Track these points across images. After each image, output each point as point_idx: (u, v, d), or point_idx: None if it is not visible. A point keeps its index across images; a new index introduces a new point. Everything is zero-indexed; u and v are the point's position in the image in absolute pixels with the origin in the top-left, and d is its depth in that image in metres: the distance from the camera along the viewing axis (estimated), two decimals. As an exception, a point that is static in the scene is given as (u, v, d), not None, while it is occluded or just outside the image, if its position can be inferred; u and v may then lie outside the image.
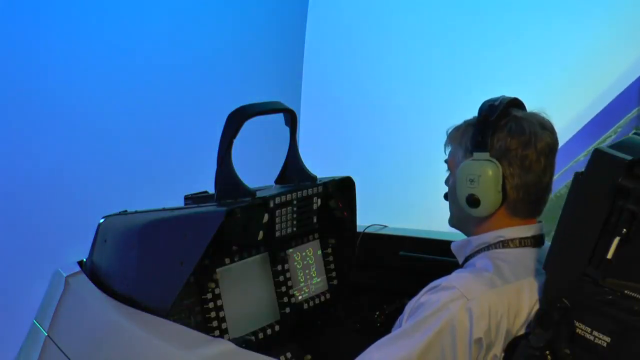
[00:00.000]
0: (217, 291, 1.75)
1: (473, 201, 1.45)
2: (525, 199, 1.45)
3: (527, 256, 1.45)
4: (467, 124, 1.52)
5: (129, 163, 3.30)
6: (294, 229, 1.93)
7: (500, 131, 1.44)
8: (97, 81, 3.16)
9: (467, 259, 1.52)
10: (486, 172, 1.43)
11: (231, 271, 1.81)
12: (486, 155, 1.44)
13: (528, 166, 1.43)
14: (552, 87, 3.97)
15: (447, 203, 1.59)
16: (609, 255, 1.16)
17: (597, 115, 3.97)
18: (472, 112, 1.53)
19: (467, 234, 1.56)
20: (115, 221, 1.78)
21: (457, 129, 1.55)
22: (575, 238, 1.24)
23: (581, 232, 1.22)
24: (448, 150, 1.57)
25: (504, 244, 1.46)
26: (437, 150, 1.58)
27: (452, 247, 1.58)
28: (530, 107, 1.55)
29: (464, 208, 1.48)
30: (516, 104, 1.52)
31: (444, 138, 1.59)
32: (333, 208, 2.04)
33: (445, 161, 1.58)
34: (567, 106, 3.95)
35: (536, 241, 1.47)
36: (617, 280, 1.17)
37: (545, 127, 1.46)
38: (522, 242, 1.46)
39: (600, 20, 4.01)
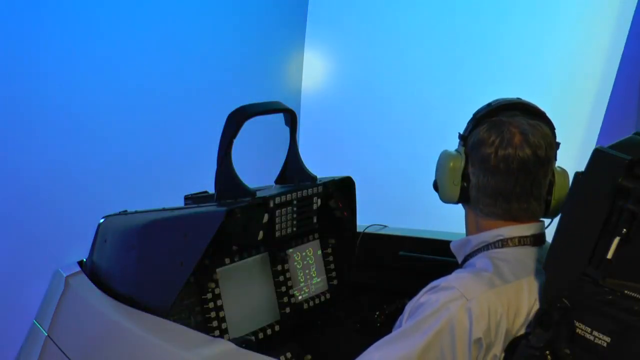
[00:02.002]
0: (217, 291, 1.75)
1: (435, 186, 1.56)
2: (483, 201, 1.46)
3: (527, 255, 1.45)
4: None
5: (129, 163, 3.30)
6: (294, 229, 1.93)
7: (478, 128, 1.46)
8: (97, 81, 3.16)
9: (466, 259, 1.52)
10: (447, 164, 1.49)
11: (231, 271, 1.81)
12: (462, 149, 1.49)
13: (487, 168, 1.43)
14: (555, 86, 3.96)
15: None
16: (609, 255, 1.16)
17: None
18: (472, 112, 1.53)
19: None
20: (115, 221, 1.78)
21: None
22: (575, 238, 1.24)
23: (581, 232, 1.22)
24: None
25: (503, 242, 1.46)
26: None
27: (452, 246, 1.58)
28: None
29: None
30: (524, 108, 1.47)
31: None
32: (333, 208, 2.05)
33: None
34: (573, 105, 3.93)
35: (536, 240, 1.47)
36: (617, 280, 1.17)
37: (526, 142, 1.40)
38: (522, 241, 1.46)
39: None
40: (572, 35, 3.95)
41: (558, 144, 1.48)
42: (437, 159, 1.56)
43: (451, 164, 1.49)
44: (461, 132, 1.53)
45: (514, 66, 3.95)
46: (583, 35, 3.92)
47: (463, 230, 1.61)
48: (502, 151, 1.41)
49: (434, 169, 1.57)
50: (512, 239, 1.45)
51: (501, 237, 1.46)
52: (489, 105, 1.49)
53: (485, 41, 4.12)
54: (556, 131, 1.49)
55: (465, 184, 1.48)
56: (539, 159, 1.42)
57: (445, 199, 1.54)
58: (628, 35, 3.65)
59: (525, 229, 1.46)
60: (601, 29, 3.84)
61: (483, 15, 4.15)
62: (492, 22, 4.11)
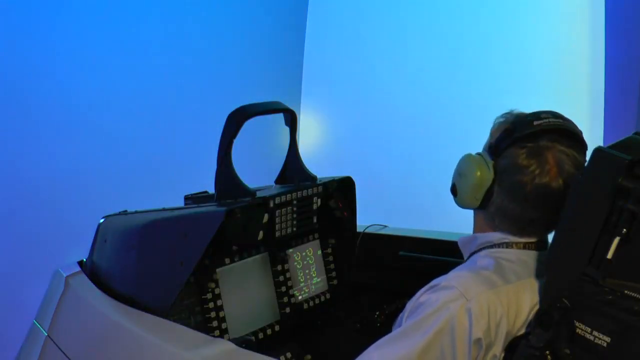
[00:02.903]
0: (217, 291, 1.75)
1: (453, 190, 1.51)
2: (500, 219, 1.45)
3: (530, 257, 1.44)
4: (512, 122, 1.45)
5: (129, 163, 3.30)
6: (294, 229, 1.93)
7: (515, 149, 1.39)
8: (97, 81, 3.16)
9: (471, 255, 1.52)
10: (474, 177, 1.43)
11: (231, 271, 1.81)
12: (491, 162, 1.42)
13: (516, 196, 1.40)
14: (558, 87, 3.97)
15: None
16: (609, 255, 1.16)
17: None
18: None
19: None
20: (115, 221, 1.78)
21: (507, 119, 1.47)
22: (575, 238, 1.24)
23: (581, 232, 1.22)
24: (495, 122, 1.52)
25: (508, 245, 1.45)
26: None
27: (459, 241, 1.58)
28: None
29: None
30: (565, 132, 1.39)
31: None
32: (333, 208, 2.04)
33: None
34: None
35: (540, 245, 1.47)
36: (617, 280, 1.17)
37: (560, 174, 1.36)
38: (527, 246, 1.45)
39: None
40: (552, 39, 3.96)
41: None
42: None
43: (478, 176, 1.42)
44: (492, 142, 1.44)
45: (502, 75, 3.95)
46: (563, 39, 3.94)
47: (463, 231, 1.61)
48: (537, 180, 1.37)
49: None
50: (517, 243, 1.45)
51: (506, 240, 1.46)
52: (530, 124, 1.38)
53: (484, 40, 4.13)
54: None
55: (486, 199, 1.44)
56: (559, 193, 1.37)
57: (461, 207, 1.50)
58: (605, 35, 3.67)
59: (531, 237, 1.46)
60: (578, 30, 3.86)
61: (486, 13, 4.17)
62: (497, 20, 4.13)
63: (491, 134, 1.50)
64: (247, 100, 1.78)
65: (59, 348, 1.70)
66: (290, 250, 1.98)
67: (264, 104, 1.81)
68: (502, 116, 1.50)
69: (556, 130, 1.39)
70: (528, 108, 1.49)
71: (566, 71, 3.94)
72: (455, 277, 1.40)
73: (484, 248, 1.48)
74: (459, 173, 1.47)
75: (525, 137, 1.38)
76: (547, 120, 1.39)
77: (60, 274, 1.79)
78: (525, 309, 1.37)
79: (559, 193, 1.36)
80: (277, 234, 1.88)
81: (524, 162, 1.38)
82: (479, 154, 1.47)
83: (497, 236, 1.47)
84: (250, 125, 1.74)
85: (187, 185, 1.93)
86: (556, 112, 1.43)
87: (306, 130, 4.19)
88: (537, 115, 1.41)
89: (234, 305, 1.79)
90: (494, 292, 1.35)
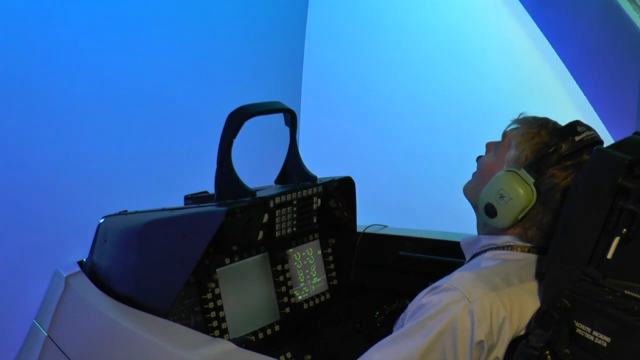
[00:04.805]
0: (217, 291, 1.75)
1: (490, 212, 1.44)
2: (535, 235, 1.44)
3: (533, 260, 1.44)
4: (538, 133, 1.43)
5: (129, 163, 3.30)
6: (294, 229, 1.93)
7: (560, 170, 1.39)
8: (97, 81, 3.16)
9: (473, 257, 1.52)
10: (519, 200, 1.39)
11: (231, 271, 1.81)
12: (531, 180, 1.40)
13: (557, 214, 1.38)
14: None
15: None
16: (609, 255, 1.16)
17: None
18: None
19: (477, 225, 1.56)
20: (115, 221, 1.78)
21: (529, 128, 1.45)
22: (575, 238, 1.24)
23: (581, 232, 1.22)
24: (510, 130, 1.48)
25: (512, 247, 1.45)
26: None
27: (462, 242, 1.57)
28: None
29: (480, 210, 1.47)
30: (600, 144, 1.41)
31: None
32: (333, 208, 2.05)
33: (501, 137, 1.51)
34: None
35: (541, 249, 1.47)
36: (617, 280, 1.17)
37: None
38: (530, 250, 1.46)
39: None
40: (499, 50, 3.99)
41: None
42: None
43: (523, 198, 1.39)
44: (530, 160, 1.41)
45: (497, 77, 3.96)
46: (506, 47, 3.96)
47: (463, 231, 1.60)
48: None
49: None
50: (521, 246, 1.45)
51: (511, 244, 1.46)
52: (572, 140, 1.39)
53: (484, 40, 4.14)
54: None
55: (522, 217, 1.42)
56: None
57: (498, 225, 1.45)
58: (546, 36, 3.69)
59: (534, 242, 1.46)
60: (513, 34, 3.88)
61: (485, 13, 4.18)
62: (497, 20, 4.14)
63: (516, 145, 1.45)
64: (247, 100, 1.78)
65: (59, 348, 1.70)
66: (290, 250, 1.98)
67: (264, 104, 1.81)
68: (521, 123, 1.47)
69: (594, 143, 1.40)
70: (521, 107, 1.50)
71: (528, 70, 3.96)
72: (457, 279, 1.39)
73: (487, 250, 1.48)
74: (500, 195, 1.41)
75: (569, 156, 1.39)
76: (584, 134, 1.40)
77: (60, 274, 1.79)
78: (529, 312, 1.36)
79: None
80: (277, 234, 1.88)
81: (566, 185, 1.38)
82: (512, 171, 1.42)
83: (502, 239, 1.46)
84: (250, 125, 1.74)
85: (187, 185, 1.93)
86: (581, 122, 1.43)
87: (306, 130, 4.19)
88: (573, 129, 1.41)
89: (234, 305, 1.80)
90: (497, 294, 1.35)
